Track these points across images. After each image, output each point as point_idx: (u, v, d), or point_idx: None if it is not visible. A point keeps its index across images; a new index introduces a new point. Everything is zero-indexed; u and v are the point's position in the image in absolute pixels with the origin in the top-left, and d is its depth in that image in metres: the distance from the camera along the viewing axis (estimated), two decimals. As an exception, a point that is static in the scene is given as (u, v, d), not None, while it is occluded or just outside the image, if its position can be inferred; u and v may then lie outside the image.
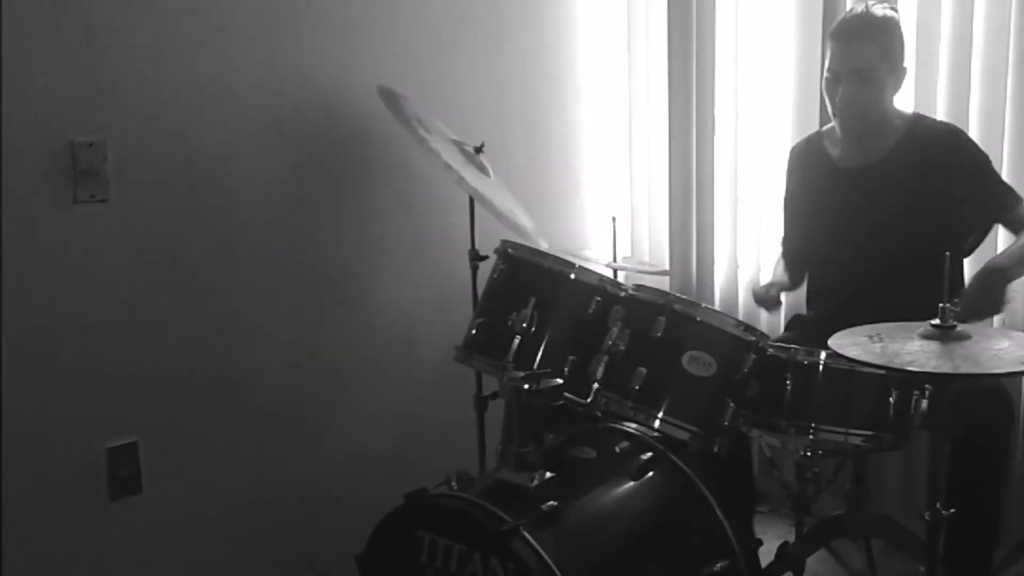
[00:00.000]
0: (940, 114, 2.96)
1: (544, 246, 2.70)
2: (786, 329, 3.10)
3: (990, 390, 2.48)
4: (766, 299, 3.00)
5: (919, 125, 2.76)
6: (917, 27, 3.01)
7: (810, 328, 2.81)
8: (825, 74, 2.75)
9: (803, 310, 3.06)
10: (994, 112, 2.93)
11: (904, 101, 3.00)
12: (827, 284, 2.90)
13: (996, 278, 2.48)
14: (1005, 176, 2.88)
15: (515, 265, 2.53)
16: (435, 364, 3.02)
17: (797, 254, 3.00)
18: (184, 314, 2.68)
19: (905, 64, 2.73)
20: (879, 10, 2.71)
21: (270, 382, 2.86)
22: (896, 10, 2.76)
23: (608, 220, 3.36)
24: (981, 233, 2.76)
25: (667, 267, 3.55)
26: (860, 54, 2.67)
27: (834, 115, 2.79)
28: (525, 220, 2.85)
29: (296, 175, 2.88)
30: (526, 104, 3.47)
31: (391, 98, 2.76)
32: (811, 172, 2.93)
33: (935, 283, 2.08)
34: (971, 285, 2.50)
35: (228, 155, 2.74)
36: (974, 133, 2.90)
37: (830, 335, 2.16)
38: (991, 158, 2.74)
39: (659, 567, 2.23)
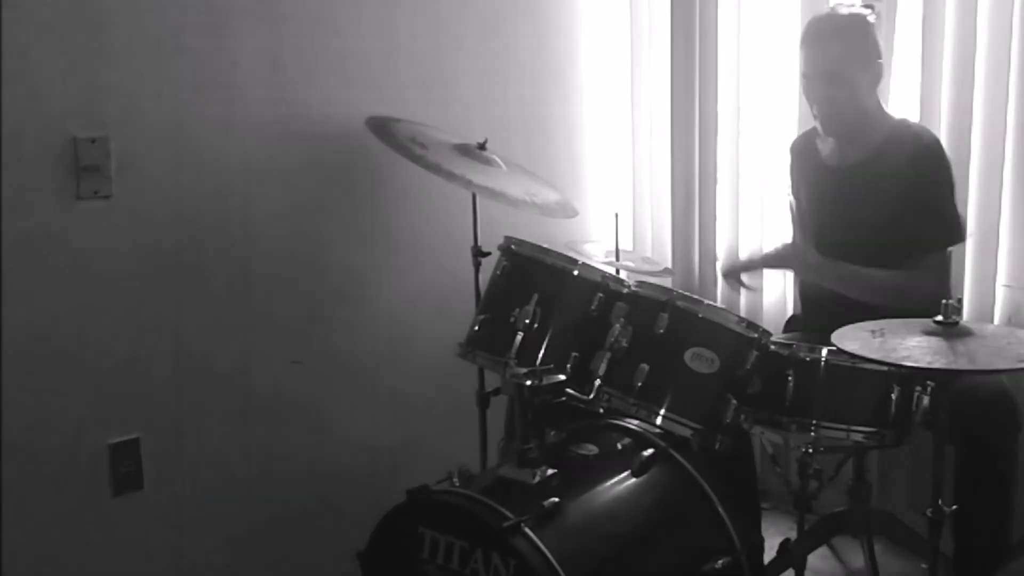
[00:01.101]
0: (943, 119, 2.96)
1: (577, 210, 2.87)
2: (785, 330, 3.10)
3: (993, 392, 2.47)
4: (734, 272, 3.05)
5: (901, 131, 2.77)
6: (922, 31, 3.00)
7: (809, 326, 2.83)
8: (800, 78, 2.80)
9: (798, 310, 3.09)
10: (996, 117, 2.93)
11: (907, 106, 3.00)
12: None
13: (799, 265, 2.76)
14: (1008, 177, 2.88)
15: (518, 261, 2.52)
16: (437, 360, 3.02)
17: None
18: (186, 310, 2.68)
19: (881, 60, 2.74)
20: (845, 9, 2.77)
21: (272, 378, 2.86)
22: (871, 7, 2.77)
23: (611, 216, 3.35)
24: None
25: (669, 264, 3.55)
26: (828, 55, 2.71)
27: (814, 116, 2.81)
28: (549, 195, 2.88)
29: (298, 171, 2.88)
30: (528, 100, 3.47)
31: (382, 127, 2.76)
32: (806, 168, 2.96)
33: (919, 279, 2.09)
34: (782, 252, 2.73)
35: (230, 151, 2.74)
36: (976, 138, 2.90)
37: (830, 333, 2.17)
38: (992, 166, 2.75)
39: (661, 564, 2.23)
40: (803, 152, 2.98)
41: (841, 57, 2.70)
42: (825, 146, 2.88)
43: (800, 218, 2.92)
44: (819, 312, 2.78)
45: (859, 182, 2.76)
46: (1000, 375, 2.53)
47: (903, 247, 2.56)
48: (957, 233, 2.72)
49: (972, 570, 2.48)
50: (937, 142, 2.76)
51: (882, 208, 2.69)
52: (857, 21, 2.74)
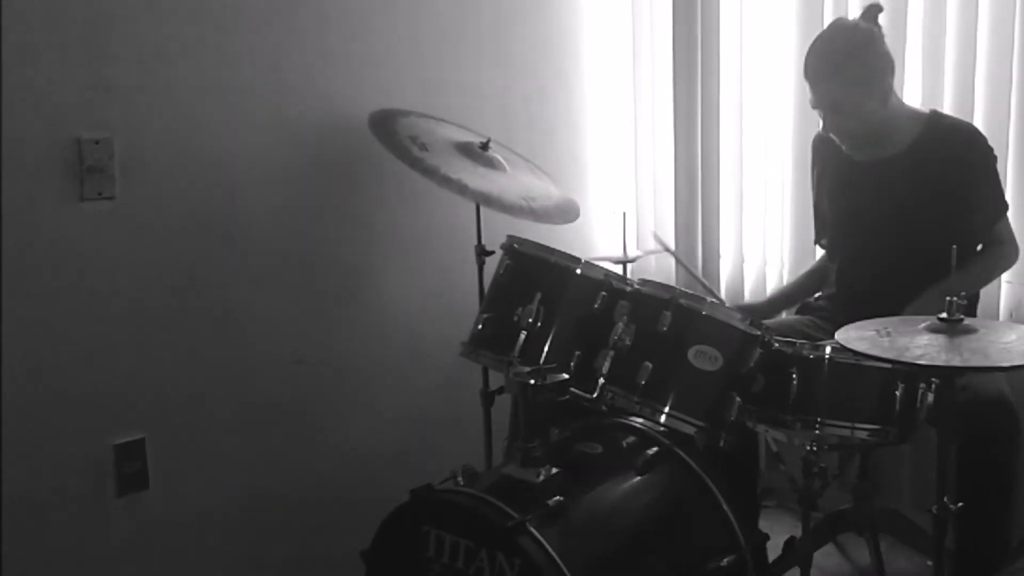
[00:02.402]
0: (946, 108, 2.95)
1: (578, 206, 2.89)
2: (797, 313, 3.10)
3: (994, 399, 2.46)
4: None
5: (937, 123, 2.75)
6: (923, 21, 3.01)
7: (828, 311, 2.85)
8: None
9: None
10: (999, 107, 2.93)
11: (912, 96, 2.99)
12: (844, 274, 2.90)
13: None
14: (1011, 167, 2.89)
15: (521, 260, 2.53)
16: (441, 359, 3.02)
17: (829, 244, 3.02)
18: (190, 310, 2.68)
19: (890, 71, 2.68)
20: (841, 33, 2.69)
21: (276, 378, 2.86)
22: (874, 16, 2.69)
23: (613, 215, 3.36)
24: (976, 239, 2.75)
25: (672, 263, 3.54)
26: (828, 92, 2.66)
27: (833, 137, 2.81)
28: (550, 196, 2.88)
29: (301, 171, 2.89)
30: (530, 98, 3.47)
31: (383, 124, 2.75)
32: (829, 163, 2.93)
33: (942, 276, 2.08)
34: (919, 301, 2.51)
35: (234, 152, 2.74)
36: (979, 127, 2.89)
37: (844, 322, 2.17)
38: (997, 155, 2.74)
39: (665, 562, 2.23)
40: (827, 146, 2.90)
41: (842, 93, 2.64)
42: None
43: (822, 214, 2.95)
44: (858, 297, 2.74)
45: (895, 177, 2.72)
46: (999, 380, 2.52)
47: (945, 237, 2.37)
48: (1005, 203, 2.75)
49: (974, 569, 2.48)
50: (974, 126, 2.79)
51: (925, 201, 2.66)
52: (854, 48, 2.65)
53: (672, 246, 3.39)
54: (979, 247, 2.74)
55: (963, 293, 2.11)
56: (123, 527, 2.60)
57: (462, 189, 2.61)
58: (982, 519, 2.42)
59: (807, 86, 2.71)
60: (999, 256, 2.76)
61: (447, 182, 2.60)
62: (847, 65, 2.64)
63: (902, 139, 2.73)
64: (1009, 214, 2.76)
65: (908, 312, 2.41)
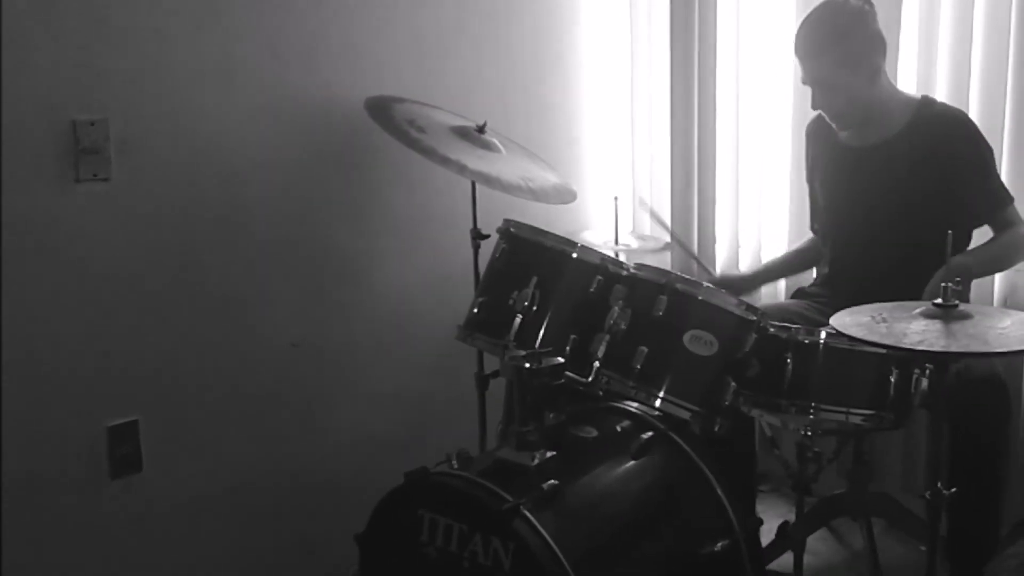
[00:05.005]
0: (941, 95, 2.95)
1: (575, 194, 2.90)
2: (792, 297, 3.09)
3: (986, 379, 2.46)
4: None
5: (928, 109, 2.75)
6: (919, 7, 3.00)
7: (823, 297, 2.85)
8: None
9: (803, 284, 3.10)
10: (995, 94, 2.93)
11: (906, 82, 2.99)
12: (838, 260, 2.90)
13: (960, 275, 2.46)
14: (1006, 157, 2.89)
15: (517, 244, 2.53)
16: (437, 343, 3.02)
17: (822, 229, 3.01)
18: (185, 293, 2.68)
19: (879, 49, 2.69)
20: (831, 12, 2.69)
21: (271, 362, 2.86)
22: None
23: (610, 201, 3.35)
24: (973, 225, 2.74)
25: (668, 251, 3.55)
26: (815, 69, 2.69)
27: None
28: (547, 179, 2.88)
29: (298, 155, 2.88)
30: (528, 83, 3.46)
31: (379, 108, 2.75)
32: (821, 149, 2.94)
33: (936, 263, 2.08)
34: (933, 281, 2.43)
35: (230, 134, 2.73)
36: (974, 115, 2.89)
37: (839, 308, 2.17)
38: (992, 144, 2.73)
39: (659, 546, 2.24)
40: (820, 133, 2.93)
41: (828, 69, 2.66)
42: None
43: (815, 200, 2.94)
44: (852, 283, 2.75)
45: (887, 162, 2.72)
46: (993, 362, 2.52)
47: (938, 223, 2.38)
48: (1007, 193, 2.72)
49: (966, 554, 2.48)
50: (965, 114, 2.78)
51: (917, 187, 2.67)
52: (843, 25, 2.65)
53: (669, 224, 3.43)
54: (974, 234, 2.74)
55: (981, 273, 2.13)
56: (116, 509, 2.60)
57: (461, 169, 2.61)
58: (975, 503, 2.42)
59: (797, 62, 2.73)
60: (1017, 236, 2.70)
61: (446, 162, 2.60)
62: (835, 42, 2.65)
63: (894, 124, 2.74)
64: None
65: (927, 295, 2.34)
